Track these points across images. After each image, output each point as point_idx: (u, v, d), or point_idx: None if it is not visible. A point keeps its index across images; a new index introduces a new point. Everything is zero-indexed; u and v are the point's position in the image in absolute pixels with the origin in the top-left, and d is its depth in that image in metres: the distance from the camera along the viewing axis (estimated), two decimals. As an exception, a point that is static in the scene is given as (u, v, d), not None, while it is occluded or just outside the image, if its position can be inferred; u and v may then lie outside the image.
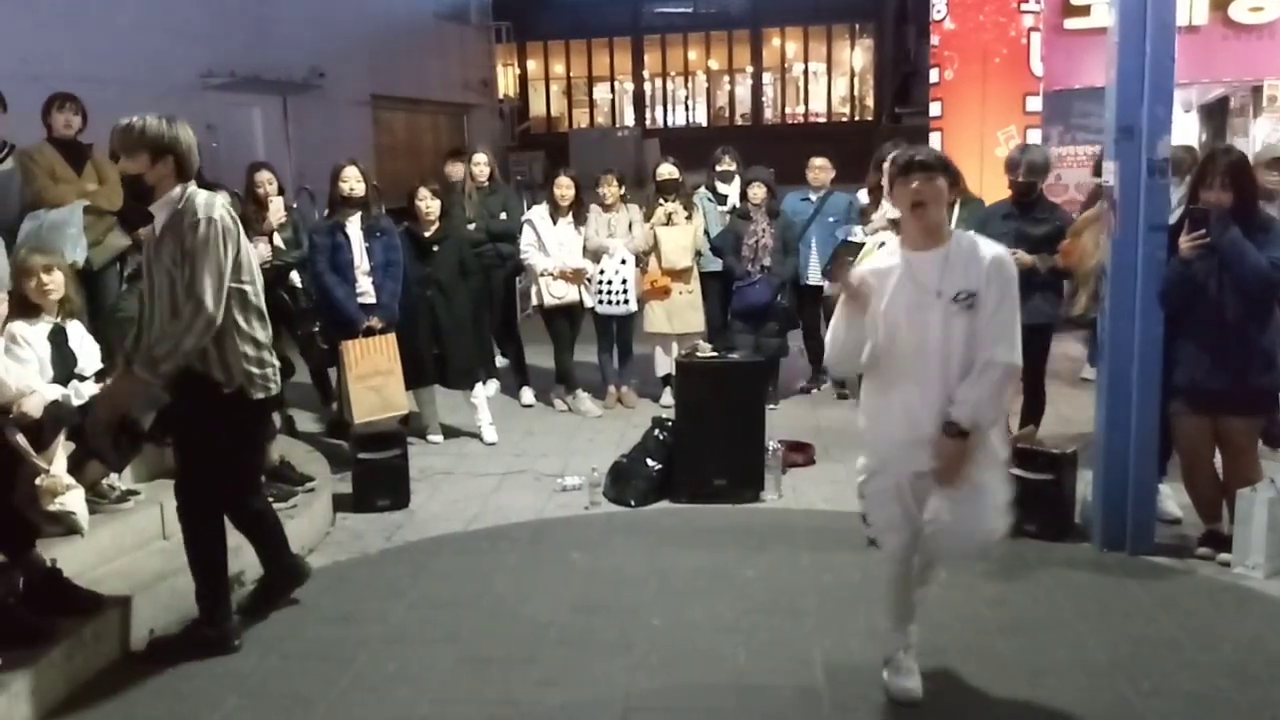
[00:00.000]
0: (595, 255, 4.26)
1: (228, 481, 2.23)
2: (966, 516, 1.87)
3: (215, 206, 2.06)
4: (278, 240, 3.83)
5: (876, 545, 2.05)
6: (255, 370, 2.12)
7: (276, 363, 2.20)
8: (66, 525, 2.37)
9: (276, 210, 3.86)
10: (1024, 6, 5.27)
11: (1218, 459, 2.66)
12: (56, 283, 2.61)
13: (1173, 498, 2.91)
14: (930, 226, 1.85)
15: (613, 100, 18.46)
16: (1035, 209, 3.35)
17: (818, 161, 4.49)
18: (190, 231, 2.01)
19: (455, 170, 4.54)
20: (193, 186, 2.09)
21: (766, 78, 18.11)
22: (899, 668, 2.03)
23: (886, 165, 1.94)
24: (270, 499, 2.85)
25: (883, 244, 4.17)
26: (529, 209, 4.53)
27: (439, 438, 3.96)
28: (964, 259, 1.85)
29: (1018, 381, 3.39)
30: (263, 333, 2.15)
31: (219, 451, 2.15)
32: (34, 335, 2.58)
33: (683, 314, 4.27)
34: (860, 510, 2.07)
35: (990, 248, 1.88)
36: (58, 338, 2.62)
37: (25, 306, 2.59)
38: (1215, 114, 5.94)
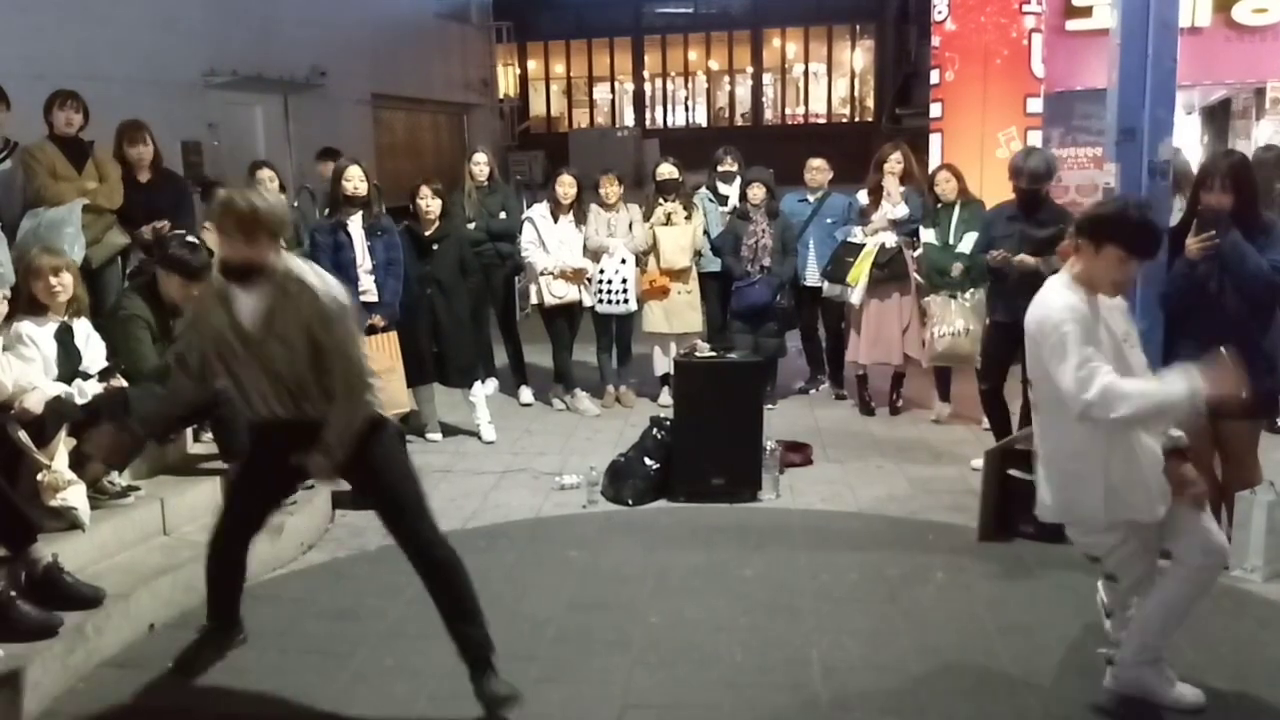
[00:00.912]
0: (595, 255, 4.27)
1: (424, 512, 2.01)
2: (1209, 533, 1.88)
3: (310, 270, 1.94)
4: (278, 238, 3.84)
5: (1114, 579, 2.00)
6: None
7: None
8: (68, 520, 2.39)
9: (278, 208, 3.86)
10: (1025, 8, 5.28)
11: (1216, 462, 2.67)
12: (65, 284, 2.62)
13: (1170, 499, 2.91)
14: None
15: (613, 100, 18.46)
16: (1040, 211, 3.36)
17: (815, 163, 4.49)
18: (312, 305, 1.87)
19: (325, 170, 4.32)
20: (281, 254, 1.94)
21: (767, 78, 18.11)
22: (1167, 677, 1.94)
23: (1118, 220, 1.82)
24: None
25: (883, 244, 4.22)
26: (528, 208, 4.54)
27: (438, 436, 3.97)
28: (1118, 301, 1.90)
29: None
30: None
31: (411, 480, 2.02)
32: (41, 335, 2.59)
33: (681, 314, 4.28)
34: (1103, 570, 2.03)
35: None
36: (64, 336, 2.63)
37: (33, 305, 2.59)
38: (1217, 116, 5.95)
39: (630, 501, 3.19)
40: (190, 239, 3.41)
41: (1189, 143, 5.54)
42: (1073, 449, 1.86)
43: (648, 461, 3.26)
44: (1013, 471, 2.85)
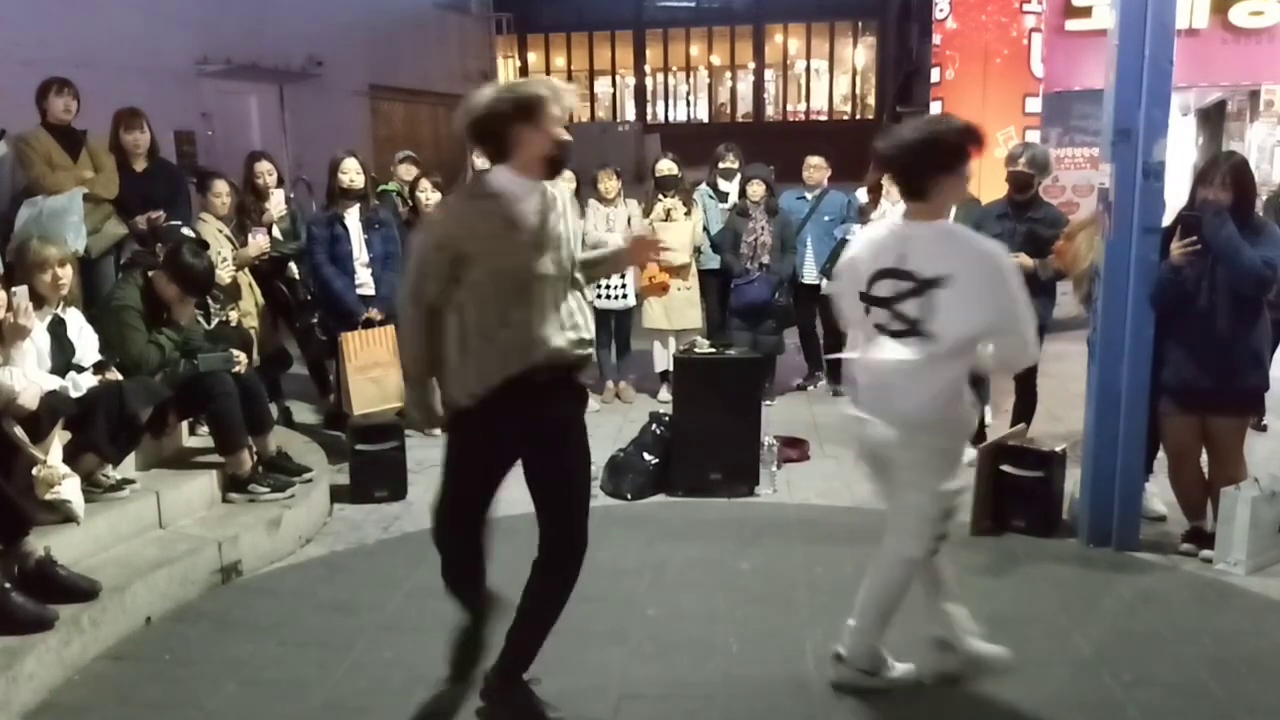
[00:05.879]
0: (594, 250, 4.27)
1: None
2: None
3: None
4: (275, 232, 3.83)
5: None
6: None
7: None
8: (62, 514, 2.39)
9: (276, 202, 3.86)
10: (1026, 7, 5.29)
11: (1203, 458, 2.70)
12: (68, 276, 2.61)
13: (1158, 496, 2.94)
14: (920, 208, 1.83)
15: (614, 94, 18.41)
16: (1029, 209, 3.37)
17: (813, 160, 4.49)
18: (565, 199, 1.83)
19: (406, 172, 4.18)
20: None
21: (769, 74, 18.08)
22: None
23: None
24: (267, 489, 2.88)
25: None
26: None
27: (436, 430, 3.97)
28: (927, 242, 1.80)
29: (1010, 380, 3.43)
30: None
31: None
32: (35, 327, 2.57)
33: (681, 310, 4.29)
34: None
35: (964, 240, 1.82)
36: (57, 328, 2.62)
37: (30, 297, 2.58)
38: (1212, 118, 5.98)
39: (629, 496, 3.21)
40: (188, 231, 3.40)
41: (1184, 144, 5.57)
42: None
43: (646, 456, 3.28)
44: (1005, 467, 2.88)
